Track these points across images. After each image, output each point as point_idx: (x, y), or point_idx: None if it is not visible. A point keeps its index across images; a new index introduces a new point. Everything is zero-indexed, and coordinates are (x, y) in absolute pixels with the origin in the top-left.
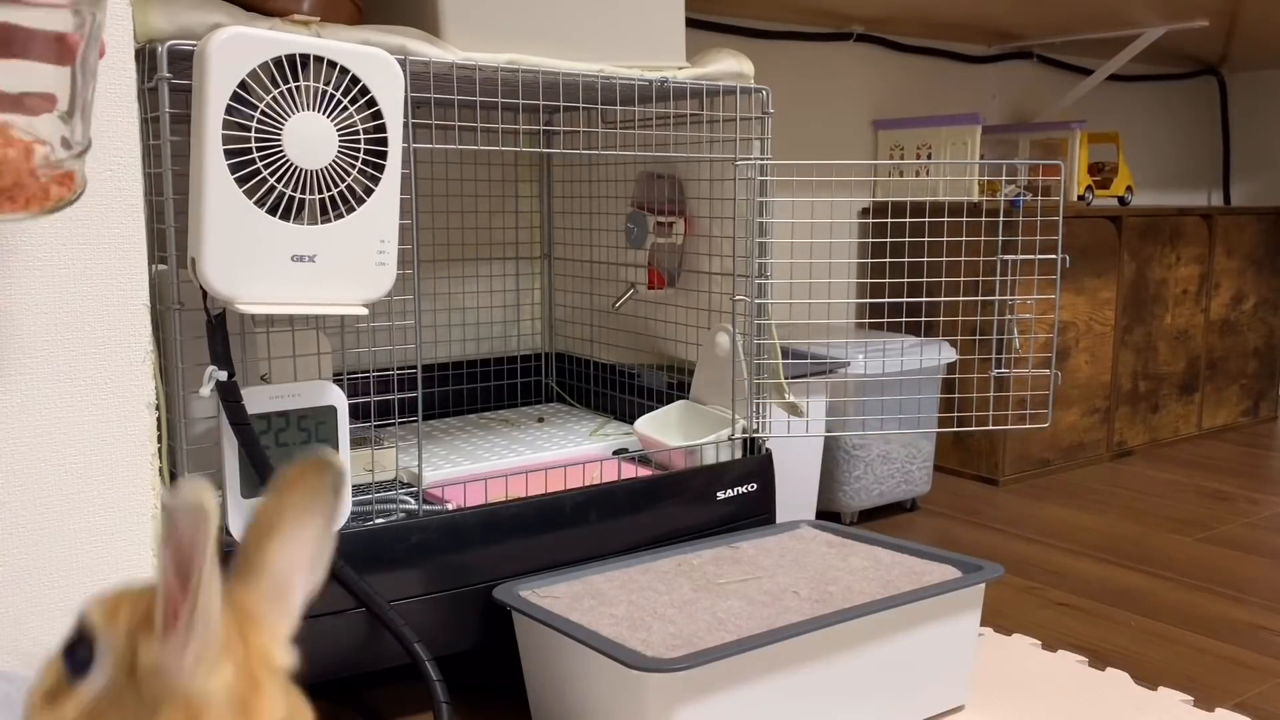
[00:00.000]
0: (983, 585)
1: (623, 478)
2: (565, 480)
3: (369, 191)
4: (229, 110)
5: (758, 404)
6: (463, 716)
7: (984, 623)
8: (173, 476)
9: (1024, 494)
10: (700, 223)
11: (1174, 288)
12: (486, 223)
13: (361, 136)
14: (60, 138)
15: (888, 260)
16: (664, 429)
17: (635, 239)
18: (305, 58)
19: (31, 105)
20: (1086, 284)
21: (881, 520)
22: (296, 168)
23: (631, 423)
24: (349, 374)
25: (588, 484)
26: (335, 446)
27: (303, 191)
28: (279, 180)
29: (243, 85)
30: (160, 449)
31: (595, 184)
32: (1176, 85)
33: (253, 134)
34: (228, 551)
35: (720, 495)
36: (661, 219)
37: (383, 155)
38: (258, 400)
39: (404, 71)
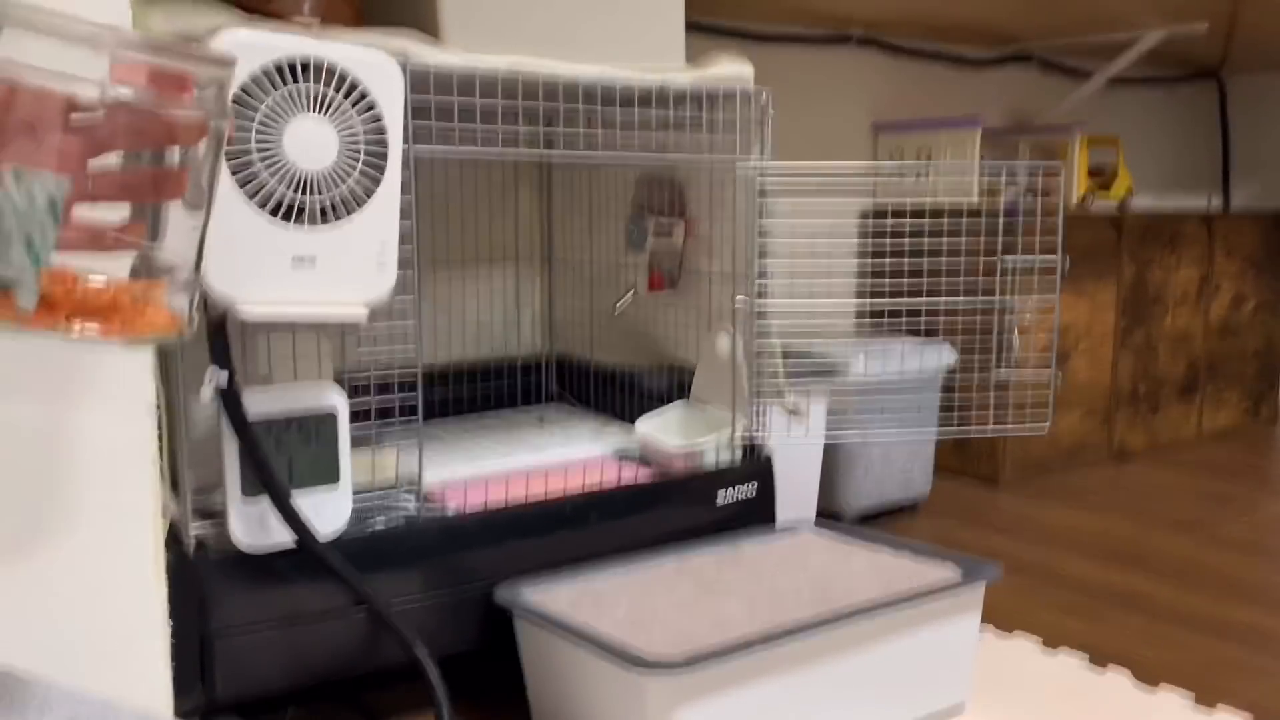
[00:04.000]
0: (983, 586)
1: (623, 480)
2: (566, 482)
3: (369, 194)
4: None
5: (758, 406)
6: (464, 718)
7: (984, 623)
8: (174, 478)
9: (1024, 496)
10: (700, 225)
11: (1174, 290)
12: (487, 225)
13: (362, 140)
14: (158, 265)
15: (888, 263)
16: (664, 431)
17: (635, 241)
18: (305, 61)
19: (124, 235)
20: (1086, 287)
21: (882, 522)
22: (297, 171)
23: (632, 424)
24: (350, 376)
25: (588, 486)
26: (336, 448)
27: (303, 194)
28: (279, 183)
29: (243, 88)
30: (161, 450)
31: (595, 187)
32: (1176, 88)
33: (253, 137)
34: None
35: (721, 497)
36: (662, 221)
37: (383, 158)
38: (258, 402)
39: (404, 75)
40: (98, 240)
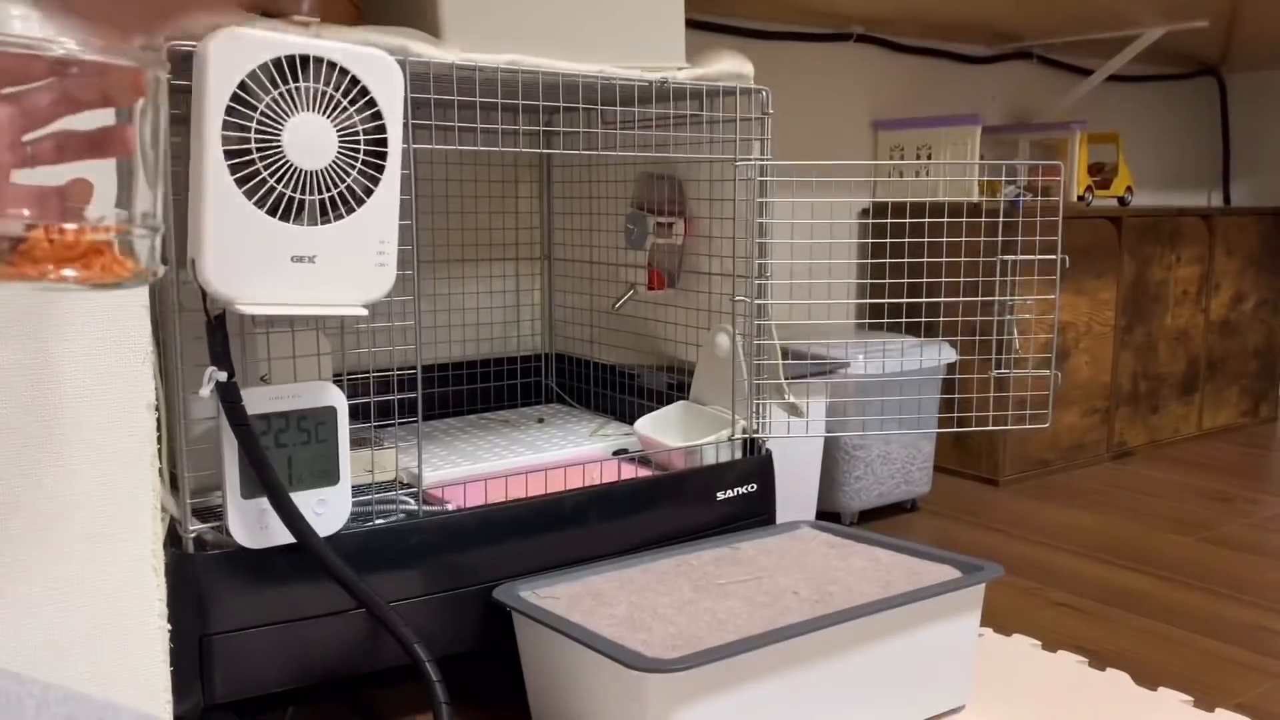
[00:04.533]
0: (982, 586)
1: (623, 478)
2: (565, 481)
3: (369, 192)
4: (228, 111)
5: (758, 404)
6: (463, 718)
7: (984, 623)
8: (173, 477)
9: (1024, 494)
10: (700, 223)
11: (1174, 288)
12: (486, 223)
13: (361, 137)
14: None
15: (888, 261)
16: (664, 429)
17: (635, 240)
18: (305, 58)
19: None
20: (1086, 284)
21: (881, 521)
22: (296, 168)
23: (631, 423)
24: (349, 375)
25: (588, 485)
26: (335, 447)
27: (302, 192)
28: (279, 181)
29: (242, 86)
30: (160, 450)
31: (595, 185)
32: (1176, 85)
33: (252, 135)
34: None
35: (720, 496)
36: (661, 219)
37: (382, 156)
38: (257, 401)
39: (404, 72)
40: (44, 206)
